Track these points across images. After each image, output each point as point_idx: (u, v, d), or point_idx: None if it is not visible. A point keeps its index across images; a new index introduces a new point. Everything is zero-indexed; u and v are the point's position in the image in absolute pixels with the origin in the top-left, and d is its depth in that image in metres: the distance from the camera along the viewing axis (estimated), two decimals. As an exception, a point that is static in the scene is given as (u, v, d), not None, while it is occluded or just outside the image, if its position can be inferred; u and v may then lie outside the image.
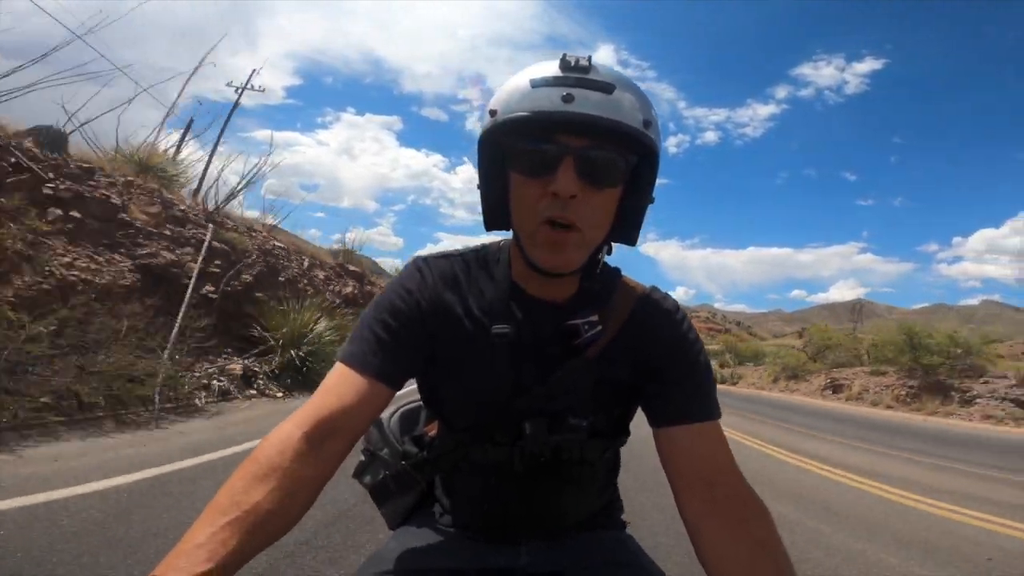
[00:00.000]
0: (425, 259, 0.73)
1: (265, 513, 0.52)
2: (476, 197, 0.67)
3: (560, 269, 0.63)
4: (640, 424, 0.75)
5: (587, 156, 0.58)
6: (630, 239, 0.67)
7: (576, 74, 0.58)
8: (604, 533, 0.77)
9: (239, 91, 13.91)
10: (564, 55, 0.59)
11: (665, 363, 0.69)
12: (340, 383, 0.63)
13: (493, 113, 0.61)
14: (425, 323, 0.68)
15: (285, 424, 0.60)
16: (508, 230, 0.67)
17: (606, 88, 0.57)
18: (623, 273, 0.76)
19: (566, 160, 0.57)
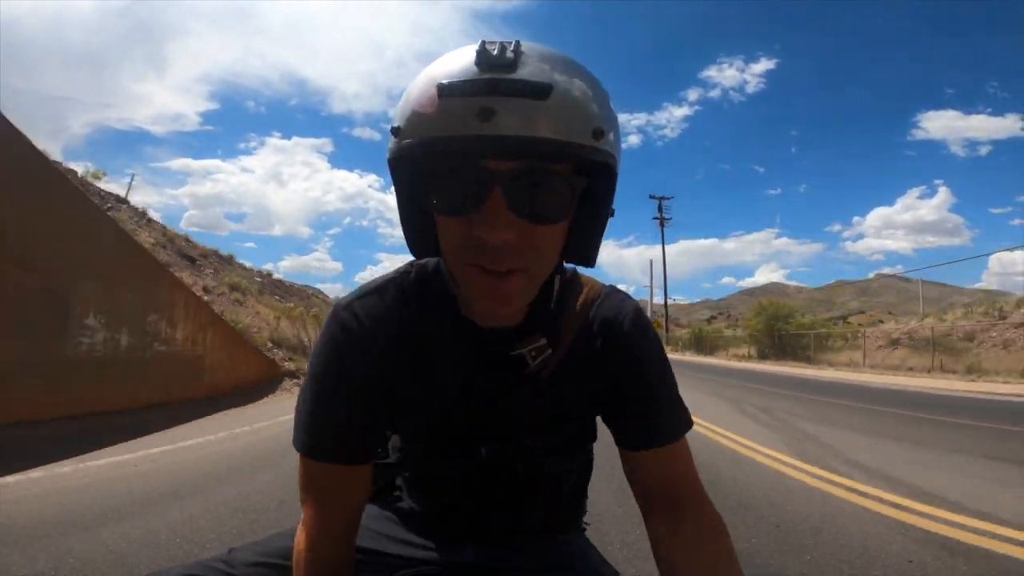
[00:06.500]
0: (346, 306, 0.60)
1: None
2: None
3: (503, 318, 0.57)
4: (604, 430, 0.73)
5: (519, 186, 0.44)
6: (586, 260, 0.55)
7: (498, 74, 0.42)
8: (561, 538, 0.73)
9: None
10: (483, 44, 0.43)
11: (622, 379, 0.62)
12: (312, 481, 0.60)
13: (396, 132, 0.46)
14: (369, 377, 0.58)
15: (300, 549, 0.59)
16: (440, 256, 0.55)
17: (539, 91, 0.42)
18: (580, 272, 0.67)
19: (493, 193, 0.44)
